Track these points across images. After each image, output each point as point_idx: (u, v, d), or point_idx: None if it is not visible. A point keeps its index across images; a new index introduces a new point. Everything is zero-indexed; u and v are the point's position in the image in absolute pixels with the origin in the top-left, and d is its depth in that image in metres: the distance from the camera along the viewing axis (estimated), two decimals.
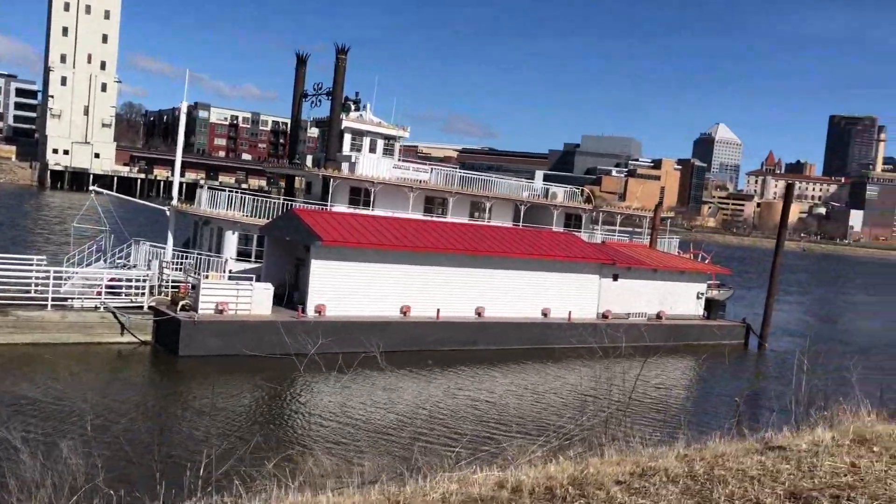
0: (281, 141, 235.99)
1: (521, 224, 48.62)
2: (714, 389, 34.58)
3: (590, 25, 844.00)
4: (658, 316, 45.22)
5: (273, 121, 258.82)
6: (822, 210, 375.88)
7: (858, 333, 60.16)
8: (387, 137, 46.36)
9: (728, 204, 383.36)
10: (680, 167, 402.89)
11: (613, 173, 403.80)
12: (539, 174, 58.28)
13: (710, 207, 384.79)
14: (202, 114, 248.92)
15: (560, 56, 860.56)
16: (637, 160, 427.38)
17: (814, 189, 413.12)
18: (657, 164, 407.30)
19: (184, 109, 43.59)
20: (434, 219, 44.39)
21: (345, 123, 44.83)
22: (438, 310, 36.68)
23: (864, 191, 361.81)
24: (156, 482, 7.61)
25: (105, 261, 36.90)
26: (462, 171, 50.08)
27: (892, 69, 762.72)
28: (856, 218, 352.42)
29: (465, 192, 46.69)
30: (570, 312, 40.83)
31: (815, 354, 38.38)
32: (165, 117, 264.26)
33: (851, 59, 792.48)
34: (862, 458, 7.36)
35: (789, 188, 44.69)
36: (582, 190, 57.07)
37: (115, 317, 31.02)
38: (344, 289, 34.57)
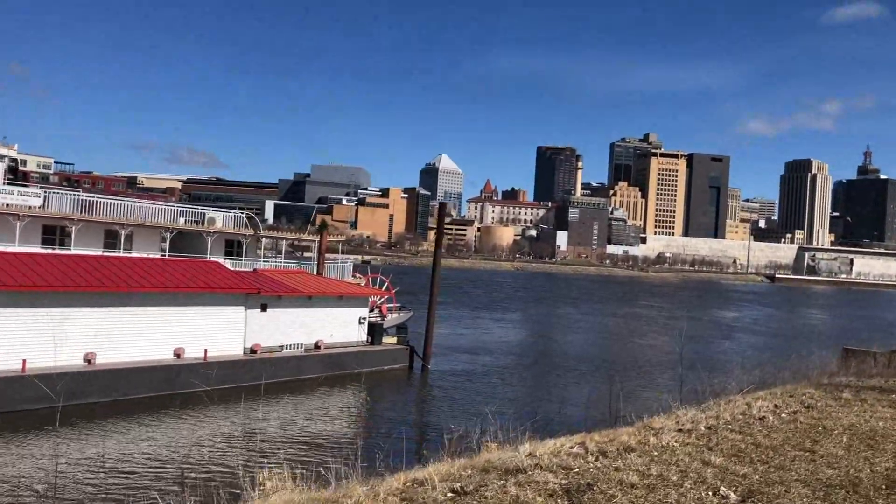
0: None
1: (167, 254, 43.57)
2: (339, 424, 32.22)
3: (315, 56, 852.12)
4: (316, 345, 42.46)
5: None
6: (534, 232, 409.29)
7: (546, 347, 62.58)
8: None
9: (451, 229, 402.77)
10: (407, 195, 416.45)
11: (344, 202, 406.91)
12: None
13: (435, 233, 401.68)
14: None
15: (287, 85, 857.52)
16: (366, 189, 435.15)
17: (526, 213, 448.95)
18: (385, 192, 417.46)
19: None
20: (54, 251, 37.86)
21: None
22: (25, 360, 30.44)
23: (567, 213, 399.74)
24: None
25: None
26: (90, 194, 43.65)
27: (584, 106, 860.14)
28: (561, 238, 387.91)
29: (90, 219, 40.51)
30: (205, 350, 36.48)
31: (473, 375, 37.45)
32: None
33: (550, 96, 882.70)
34: None
35: (441, 207, 44.46)
36: (249, 215, 53.30)
37: None
38: None
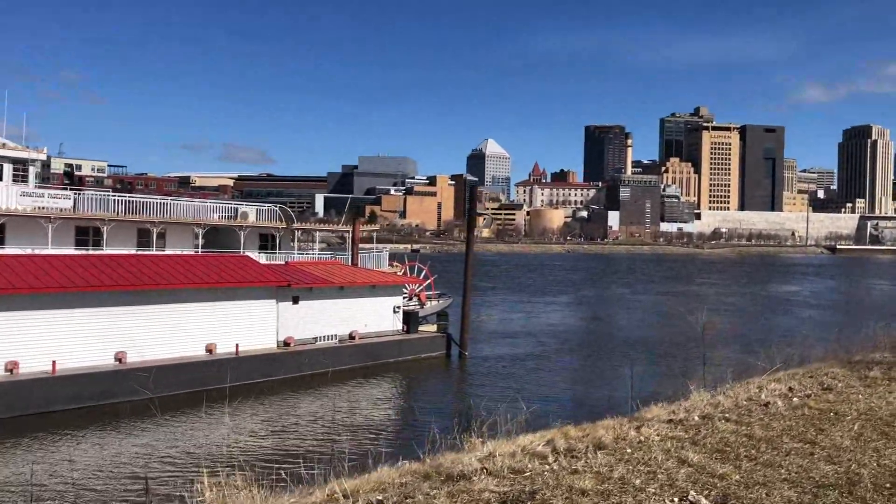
0: None
1: (200, 250, 43.66)
2: (377, 413, 31.63)
3: (360, 47, 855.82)
4: (350, 336, 42.04)
5: None
6: (584, 213, 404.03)
7: (592, 331, 61.17)
8: (16, 161, 39.35)
9: (501, 214, 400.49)
10: (454, 182, 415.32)
11: (392, 192, 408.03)
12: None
13: (484, 219, 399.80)
14: None
15: (332, 78, 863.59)
16: (413, 178, 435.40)
17: (576, 194, 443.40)
18: (433, 180, 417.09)
19: None
20: (87, 252, 38.19)
21: None
22: (54, 362, 30.63)
23: (618, 192, 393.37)
24: None
25: None
26: (120, 194, 43.93)
27: (631, 83, 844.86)
28: (613, 218, 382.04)
29: (121, 218, 40.79)
30: (237, 345, 36.34)
31: (511, 360, 36.35)
32: None
33: (596, 74, 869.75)
34: None
35: (472, 190, 43.32)
36: (282, 208, 53.19)
37: None
38: None
